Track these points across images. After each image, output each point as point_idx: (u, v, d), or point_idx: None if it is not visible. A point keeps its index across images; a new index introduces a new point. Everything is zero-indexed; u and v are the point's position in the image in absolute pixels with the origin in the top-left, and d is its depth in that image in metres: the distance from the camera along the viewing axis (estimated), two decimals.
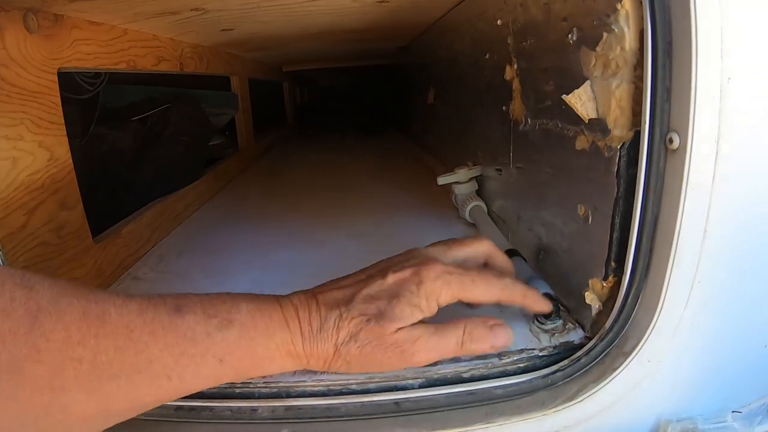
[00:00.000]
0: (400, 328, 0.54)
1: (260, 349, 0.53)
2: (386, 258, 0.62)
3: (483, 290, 0.59)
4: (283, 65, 2.73)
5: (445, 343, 0.56)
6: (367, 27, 1.42)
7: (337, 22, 1.29)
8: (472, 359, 0.60)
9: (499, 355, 0.60)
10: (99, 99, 1.14)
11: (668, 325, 0.53)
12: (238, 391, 0.58)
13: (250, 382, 0.58)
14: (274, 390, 0.58)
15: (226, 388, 0.58)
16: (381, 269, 0.60)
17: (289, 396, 0.58)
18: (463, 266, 0.60)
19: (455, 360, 0.59)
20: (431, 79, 1.66)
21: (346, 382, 0.58)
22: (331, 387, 0.58)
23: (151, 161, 1.25)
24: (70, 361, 0.44)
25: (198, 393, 0.53)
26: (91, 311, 0.46)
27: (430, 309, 0.56)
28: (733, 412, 0.60)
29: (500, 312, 0.67)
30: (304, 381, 0.58)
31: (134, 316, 0.48)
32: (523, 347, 0.61)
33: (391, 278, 0.57)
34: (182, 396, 0.51)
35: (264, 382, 0.58)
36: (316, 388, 0.58)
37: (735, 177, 0.49)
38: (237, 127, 1.91)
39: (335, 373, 0.57)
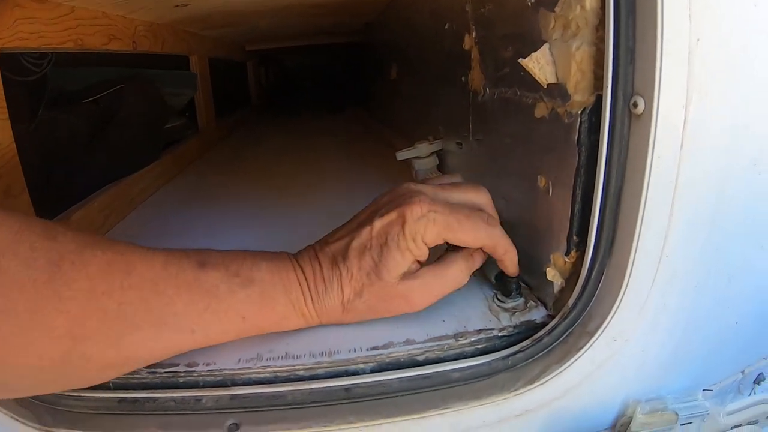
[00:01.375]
0: (400, 278, 0.56)
1: (280, 307, 0.55)
2: (380, 195, 0.63)
3: (469, 233, 0.58)
4: (246, 44, 2.68)
5: (448, 279, 0.58)
6: (331, 1, 1.38)
7: None
8: (426, 341, 0.57)
9: (456, 336, 0.57)
10: (47, 81, 1.09)
11: (634, 303, 0.51)
12: (181, 380, 0.55)
13: (194, 370, 0.55)
14: (219, 378, 0.55)
15: (169, 376, 0.55)
16: (369, 213, 0.60)
17: (234, 384, 0.55)
18: (452, 207, 0.58)
19: (408, 342, 0.57)
20: (394, 55, 1.63)
21: (293, 368, 0.55)
22: (277, 374, 0.55)
23: (104, 144, 1.20)
24: (94, 311, 0.45)
25: (141, 384, 0.54)
26: (117, 262, 0.48)
27: (419, 249, 0.56)
28: (704, 390, 0.59)
29: (458, 291, 0.63)
30: (249, 368, 0.55)
31: (159, 269, 0.50)
32: (482, 327, 0.59)
33: (378, 224, 0.57)
34: (204, 347, 0.54)
35: (208, 370, 0.55)
36: (261, 375, 0.55)
37: (705, 145, 0.47)
38: (197, 108, 1.85)
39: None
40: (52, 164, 1.05)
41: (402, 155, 1.03)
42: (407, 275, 0.56)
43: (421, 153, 1.01)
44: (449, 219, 0.56)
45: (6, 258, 0.42)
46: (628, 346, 0.53)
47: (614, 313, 0.52)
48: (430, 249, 0.57)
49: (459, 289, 0.59)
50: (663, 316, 0.53)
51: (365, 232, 0.57)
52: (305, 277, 0.56)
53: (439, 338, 0.57)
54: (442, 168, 1.04)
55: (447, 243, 0.58)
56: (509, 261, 0.61)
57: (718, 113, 0.46)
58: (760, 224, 0.54)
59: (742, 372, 0.63)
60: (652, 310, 0.52)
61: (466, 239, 0.58)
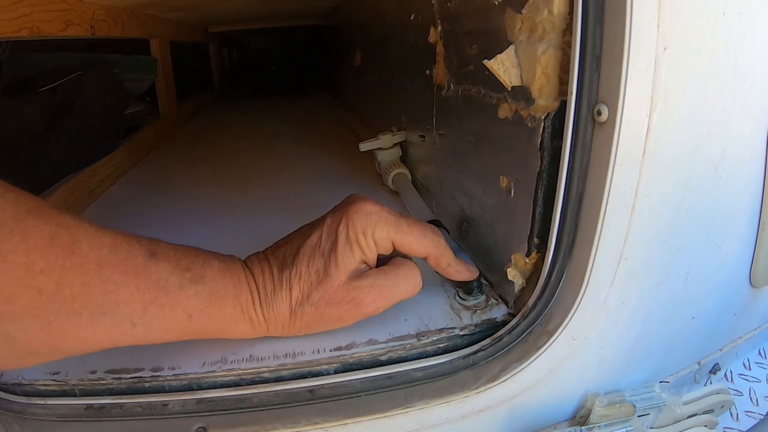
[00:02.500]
0: (349, 278, 0.55)
1: (228, 309, 0.52)
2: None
3: (417, 239, 0.57)
4: (209, 26, 2.63)
5: (400, 281, 0.57)
6: None
7: None
8: (388, 341, 0.57)
9: (418, 336, 0.58)
10: (2, 69, 1.06)
11: (594, 303, 0.52)
12: (147, 385, 0.55)
13: (159, 375, 0.54)
14: (184, 382, 0.55)
15: (135, 382, 0.55)
16: (322, 217, 0.58)
17: (200, 388, 0.54)
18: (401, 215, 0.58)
19: (371, 342, 0.57)
20: (359, 41, 1.61)
21: (257, 370, 0.55)
22: (242, 376, 0.55)
23: (61, 134, 1.17)
24: (28, 289, 0.41)
25: (107, 390, 0.54)
26: (61, 237, 0.43)
27: (368, 247, 0.56)
28: (661, 382, 0.60)
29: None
30: (214, 371, 0.55)
31: (107, 251, 0.45)
32: (444, 326, 0.59)
33: (328, 221, 0.57)
34: (141, 344, 0.49)
35: (173, 375, 0.55)
36: (227, 378, 0.55)
37: (667, 152, 0.47)
38: (158, 94, 1.82)
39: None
40: (5, 156, 1.03)
41: (365, 146, 1.02)
42: (356, 276, 0.55)
43: (384, 144, 1.01)
44: (400, 221, 0.57)
45: None
46: (587, 344, 0.54)
47: (574, 313, 0.52)
48: (378, 257, 0.57)
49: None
50: (622, 315, 0.54)
51: (315, 234, 0.57)
52: (254, 279, 0.54)
53: (402, 338, 0.57)
54: (404, 159, 1.04)
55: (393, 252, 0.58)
56: (454, 272, 0.61)
57: (682, 120, 0.47)
58: (718, 225, 0.56)
59: (698, 363, 0.65)
60: (611, 309, 0.53)
61: (414, 244, 0.57)
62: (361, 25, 1.58)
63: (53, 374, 0.55)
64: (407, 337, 0.57)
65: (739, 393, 0.66)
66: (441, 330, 0.58)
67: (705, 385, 0.67)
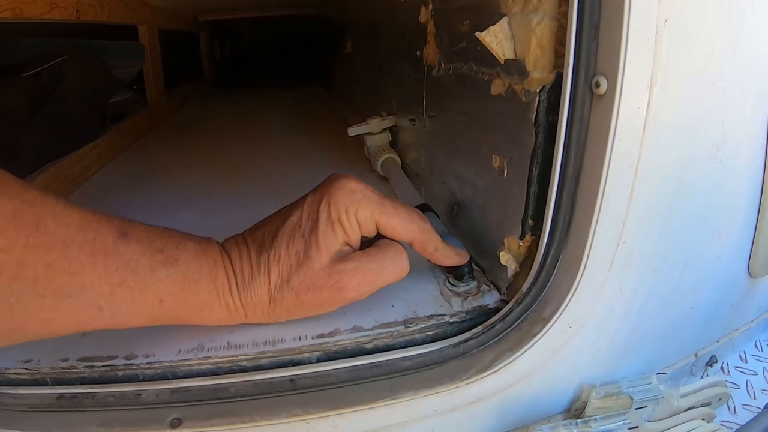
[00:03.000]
0: (332, 261, 0.52)
1: (203, 294, 0.50)
2: None
3: (402, 222, 0.55)
4: (200, 14, 2.60)
5: (386, 264, 0.54)
6: None
7: None
8: (374, 328, 0.55)
9: (405, 323, 0.55)
10: None
11: (591, 289, 0.50)
12: (120, 373, 0.52)
13: (133, 363, 0.52)
14: (159, 371, 0.52)
15: (107, 370, 0.52)
16: (302, 197, 0.55)
17: (175, 377, 0.52)
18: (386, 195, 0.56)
19: (356, 329, 0.55)
20: (349, 28, 1.60)
21: (235, 358, 0.52)
22: (219, 365, 0.52)
23: (44, 120, 1.14)
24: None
25: (79, 379, 0.51)
26: (24, 215, 0.40)
27: (351, 227, 0.53)
28: (658, 373, 0.59)
29: (409, 273, 0.61)
30: (190, 359, 0.52)
31: (74, 230, 0.43)
32: (433, 313, 0.57)
33: (309, 200, 0.54)
34: (108, 328, 0.47)
35: (147, 363, 0.52)
36: (203, 367, 0.52)
37: (667, 130, 0.45)
38: (146, 81, 1.78)
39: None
40: None
41: (353, 131, 1.00)
42: (339, 259, 0.52)
43: (373, 129, 0.99)
44: (384, 201, 0.54)
45: None
46: (583, 332, 0.52)
47: (570, 300, 0.50)
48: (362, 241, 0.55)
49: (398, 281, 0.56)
50: (618, 302, 0.52)
51: (295, 214, 0.54)
52: (231, 263, 0.52)
53: (388, 325, 0.55)
54: (394, 144, 1.01)
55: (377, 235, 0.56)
56: (442, 258, 0.58)
57: (682, 97, 0.45)
58: (717, 211, 0.54)
59: (695, 355, 0.64)
60: (607, 295, 0.51)
61: (399, 227, 0.54)
62: (351, 13, 1.56)
63: (24, 362, 0.52)
64: (394, 324, 0.55)
65: (736, 386, 0.65)
66: (430, 317, 0.56)
67: (701, 377, 0.66)
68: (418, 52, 0.80)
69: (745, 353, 0.71)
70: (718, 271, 0.59)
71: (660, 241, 0.51)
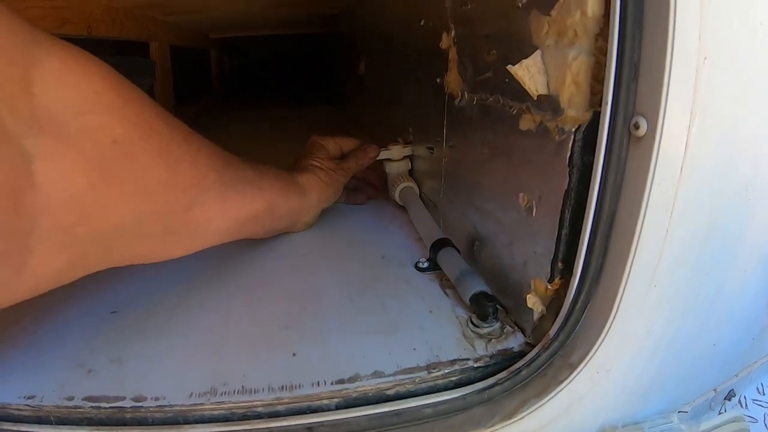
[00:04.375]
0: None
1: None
2: None
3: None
4: (211, 32, 2.60)
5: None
6: None
7: None
8: (396, 373, 0.52)
9: (428, 368, 0.53)
10: None
11: (620, 334, 0.47)
12: (128, 416, 0.50)
13: (142, 406, 0.50)
14: (169, 415, 0.50)
15: (115, 412, 0.50)
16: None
17: (186, 422, 0.50)
18: None
19: (377, 375, 0.52)
20: (362, 49, 1.57)
21: (250, 404, 0.50)
22: (233, 410, 0.50)
23: None
24: (212, 170, 0.59)
25: (85, 420, 0.50)
26: (223, 152, 0.65)
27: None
28: (679, 412, 0.57)
29: (430, 312, 0.61)
30: (203, 404, 0.50)
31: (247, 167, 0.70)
32: (456, 357, 0.54)
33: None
34: (261, 206, 0.69)
35: (157, 406, 0.50)
36: (216, 412, 0.50)
37: (703, 170, 0.43)
38: (156, 98, 1.75)
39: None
40: None
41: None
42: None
43: (393, 156, 0.96)
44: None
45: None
46: (609, 376, 0.50)
47: (600, 345, 0.48)
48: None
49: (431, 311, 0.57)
50: (646, 344, 0.50)
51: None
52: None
53: (411, 370, 0.53)
54: (412, 173, 0.99)
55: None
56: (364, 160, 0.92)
57: (717, 136, 0.42)
58: (746, 249, 0.51)
59: (715, 390, 0.62)
60: (636, 338, 0.49)
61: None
62: (364, 33, 1.54)
63: (27, 398, 0.51)
64: (416, 370, 0.53)
65: (754, 420, 0.65)
66: (453, 362, 0.54)
67: (720, 412, 0.65)
68: (438, 79, 0.78)
69: (762, 385, 0.70)
70: (742, 306, 0.57)
71: (690, 281, 0.49)
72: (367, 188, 1.03)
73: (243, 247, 0.81)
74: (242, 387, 0.51)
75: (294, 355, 0.55)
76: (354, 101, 1.87)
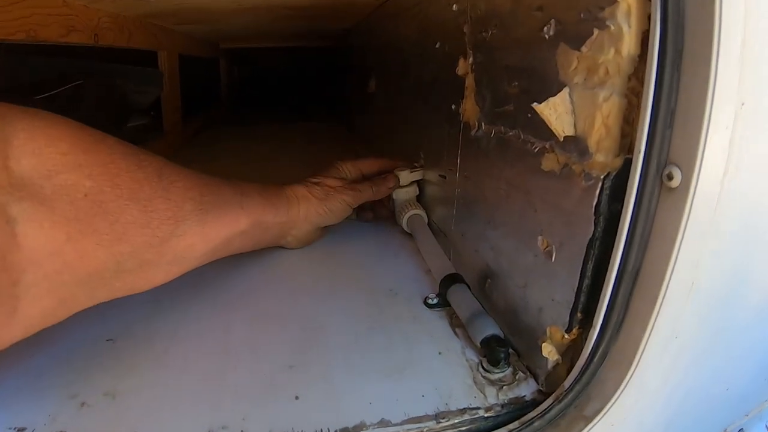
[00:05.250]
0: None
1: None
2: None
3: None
4: (220, 42, 2.59)
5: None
6: (307, 4, 1.31)
7: None
8: (403, 422, 0.50)
9: (437, 417, 0.50)
10: None
11: (639, 385, 0.46)
12: None
13: None
14: None
15: None
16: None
17: None
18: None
19: (383, 423, 0.50)
20: (373, 67, 1.56)
21: None
22: None
23: None
24: (188, 200, 0.60)
25: None
26: (201, 176, 0.66)
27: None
28: None
29: (440, 354, 0.59)
30: None
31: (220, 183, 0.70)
32: (466, 406, 0.52)
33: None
34: (246, 224, 0.71)
35: None
36: None
37: (732, 222, 0.41)
38: (163, 109, 1.74)
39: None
40: None
41: None
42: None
43: (401, 182, 0.94)
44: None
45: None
46: (624, 428, 0.48)
47: (617, 398, 0.46)
48: None
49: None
50: (662, 394, 0.48)
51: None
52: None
53: (419, 419, 0.50)
54: (421, 199, 0.97)
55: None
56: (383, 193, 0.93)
57: (749, 186, 0.40)
58: (765, 298, 0.49)
59: (725, 430, 0.62)
60: (653, 390, 0.47)
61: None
62: (376, 50, 1.52)
63: (18, 430, 0.49)
64: (425, 419, 0.50)
65: None
66: (463, 411, 0.51)
67: None
68: (453, 106, 0.76)
69: None
70: (757, 351, 0.56)
71: (710, 333, 0.47)
72: (376, 206, 1.02)
73: (243, 271, 0.80)
74: (241, 431, 0.49)
75: (297, 398, 0.53)
76: (362, 118, 1.86)
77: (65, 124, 0.51)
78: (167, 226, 0.57)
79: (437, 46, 0.85)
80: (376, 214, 1.03)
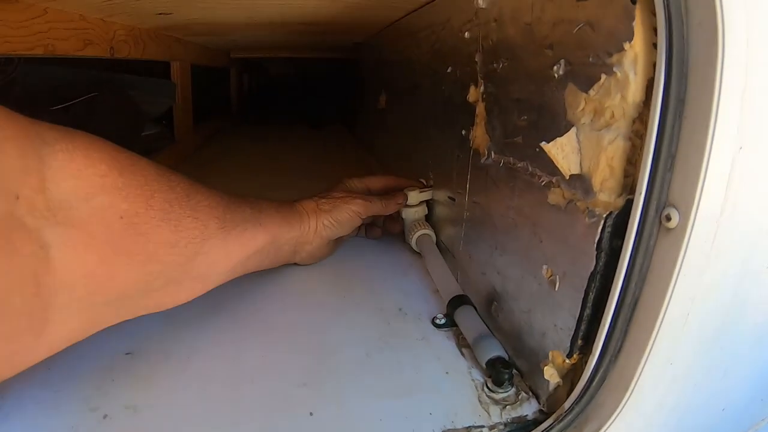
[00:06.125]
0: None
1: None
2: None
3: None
4: (232, 51, 2.60)
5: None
6: (321, 20, 1.33)
7: (289, 13, 1.19)
8: None
9: None
10: (15, 87, 1.02)
11: (635, 408, 0.48)
12: None
13: None
14: None
15: None
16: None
17: None
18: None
19: None
20: (385, 83, 1.57)
21: None
22: None
23: None
24: (213, 218, 0.62)
25: None
26: (223, 196, 0.67)
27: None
28: None
29: (447, 374, 0.61)
30: None
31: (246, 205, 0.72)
32: (471, 424, 0.54)
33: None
34: (263, 241, 0.73)
35: None
36: None
37: (728, 256, 0.43)
38: (175, 118, 1.78)
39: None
40: None
41: None
42: None
43: (410, 201, 0.96)
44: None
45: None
46: None
47: (614, 420, 0.48)
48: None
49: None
50: (659, 417, 0.50)
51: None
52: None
53: None
54: (430, 218, 0.99)
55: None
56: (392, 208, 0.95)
57: (744, 222, 0.42)
58: (761, 323, 0.51)
59: None
60: (649, 413, 0.49)
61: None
62: (388, 67, 1.53)
63: None
64: None
65: None
66: (468, 429, 0.53)
67: None
68: (463, 131, 0.78)
69: None
70: (754, 372, 0.57)
71: (705, 358, 0.49)
72: (387, 223, 1.04)
73: (256, 288, 0.82)
74: None
75: (311, 414, 0.54)
76: (371, 132, 1.87)
77: (103, 144, 0.51)
78: (194, 245, 0.58)
79: (449, 70, 0.87)
80: (386, 231, 1.04)
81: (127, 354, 0.64)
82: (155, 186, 0.54)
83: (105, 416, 0.54)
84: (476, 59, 0.73)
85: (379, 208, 0.92)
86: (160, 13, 1.12)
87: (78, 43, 1.00)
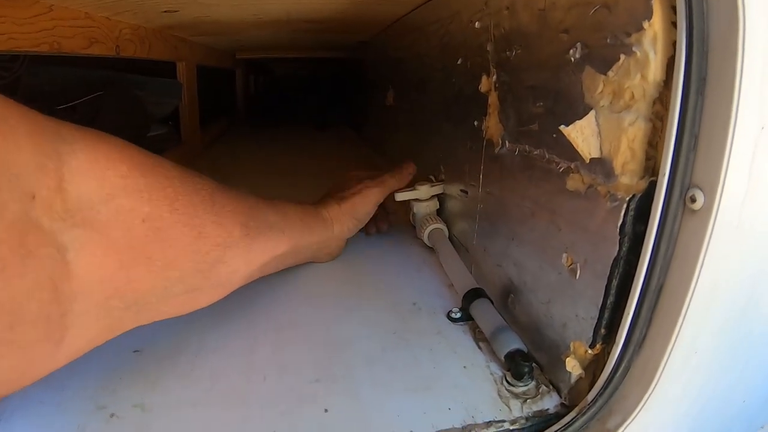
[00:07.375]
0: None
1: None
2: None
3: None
4: (237, 52, 2.60)
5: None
6: (327, 18, 1.32)
7: (295, 9, 1.18)
8: None
9: (464, 429, 0.51)
10: (20, 83, 1.01)
11: (660, 399, 0.46)
12: None
13: None
14: None
15: None
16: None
17: None
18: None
19: None
20: (392, 80, 1.56)
21: None
22: None
23: None
24: (237, 225, 0.60)
25: None
26: (247, 199, 0.65)
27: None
28: None
29: (465, 368, 0.60)
30: None
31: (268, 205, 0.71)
32: (492, 419, 0.53)
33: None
34: (285, 248, 0.72)
35: None
36: None
37: (751, 241, 0.42)
38: (181, 118, 1.77)
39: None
40: None
41: (401, 196, 0.96)
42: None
43: (421, 195, 0.95)
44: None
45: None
46: None
47: (639, 412, 0.47)
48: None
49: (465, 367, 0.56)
50: (681, 407, 0.49)
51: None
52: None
53: None
54: (441, 213, 0.98)
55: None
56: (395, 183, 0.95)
57: (765, 206, 0.41)
58: None
59: None
60: (674, 403, 0.48)
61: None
62: (395, 64, 1.52)
63: None
64: (453, 431, 0.51)
65: None
66: (489, 423, 0.52)
67: None
68: (475, 122, 0.77)
69: None
70: None
71: (728, 347, 0.48)
72: (377, 221, 1.03)
73: (267, 286, 0.80)
74: None
75: (326, 411, 0.53)
76: (379, 130, 1.86)
77: (123, 145, 0.48)
78: (216, 251, 0.56)
79: (459, 62, 0.86)
80: (378, 229, 1.04)
81: (135, 351, 0.63)
82: (179, 189, 0.52)
83: (112, 415, 0.53)
84: (488, 48, 0.72)
85: (393, 183, 0.93)
86: (165, 11, 1.11)
87: (83, 41, 1.00)
